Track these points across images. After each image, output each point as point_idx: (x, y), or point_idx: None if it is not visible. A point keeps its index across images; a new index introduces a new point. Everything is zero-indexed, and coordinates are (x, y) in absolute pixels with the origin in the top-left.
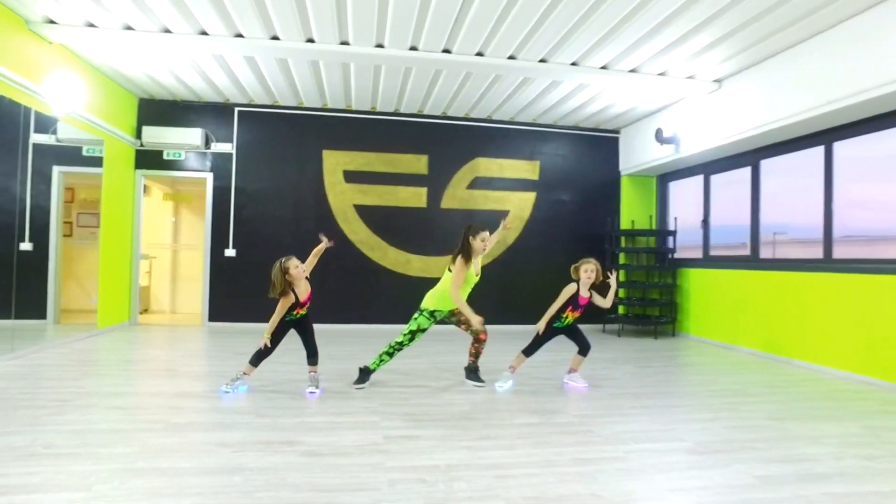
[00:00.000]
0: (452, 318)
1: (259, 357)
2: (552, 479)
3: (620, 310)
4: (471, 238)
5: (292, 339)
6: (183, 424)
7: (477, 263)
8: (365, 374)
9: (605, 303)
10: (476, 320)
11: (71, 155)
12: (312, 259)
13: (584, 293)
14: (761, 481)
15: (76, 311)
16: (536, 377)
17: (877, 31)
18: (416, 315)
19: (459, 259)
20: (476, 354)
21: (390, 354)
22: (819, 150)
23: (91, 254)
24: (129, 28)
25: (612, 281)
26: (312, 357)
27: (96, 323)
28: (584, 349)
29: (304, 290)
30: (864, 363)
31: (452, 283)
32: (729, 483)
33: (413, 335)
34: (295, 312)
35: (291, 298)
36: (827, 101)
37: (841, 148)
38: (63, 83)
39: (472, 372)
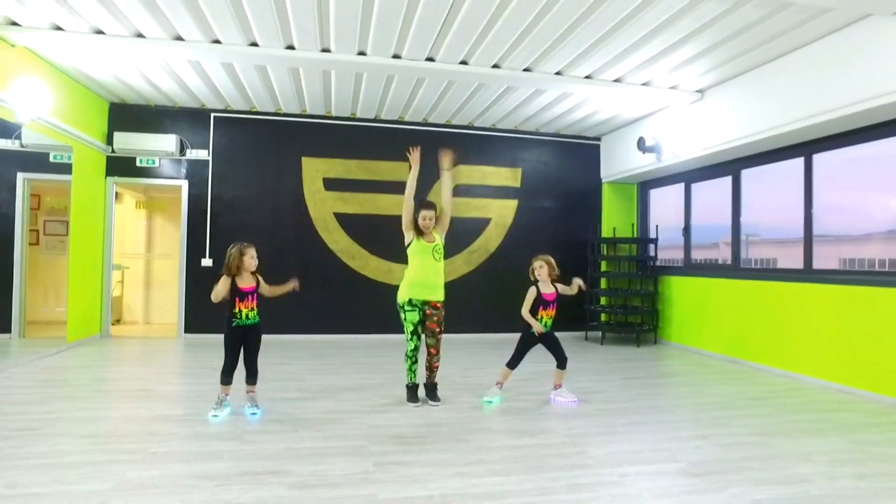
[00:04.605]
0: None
1: (225, 373)
2: None
3: (603, 317)
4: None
5: (268, 354)
6: (162, 454)
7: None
8: (412, 390)
9: (569, 290)
10: None
11: (36, 161)
12: (276, 290)
13: (546, 290)
14: None
15: (44, 322)
16: (524, 391)
17: (857, 48)
18: (401, 316)
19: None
20: (430, 368)
21: (414, 362)
22: (798, 161)
23: (60, 263)
24: (100, 32)
25: (576, 282)
26: (251, 377)
27: (66, 336)
28: (561, 362)
29: (246, 280)
30: (844, 373)
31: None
32: None
33: (414, 333)
34: (237, 309)
35: (228, 283)
36: (809, 114)
37: (820, 158)
38: (28, 88)
39: (430, 390)
